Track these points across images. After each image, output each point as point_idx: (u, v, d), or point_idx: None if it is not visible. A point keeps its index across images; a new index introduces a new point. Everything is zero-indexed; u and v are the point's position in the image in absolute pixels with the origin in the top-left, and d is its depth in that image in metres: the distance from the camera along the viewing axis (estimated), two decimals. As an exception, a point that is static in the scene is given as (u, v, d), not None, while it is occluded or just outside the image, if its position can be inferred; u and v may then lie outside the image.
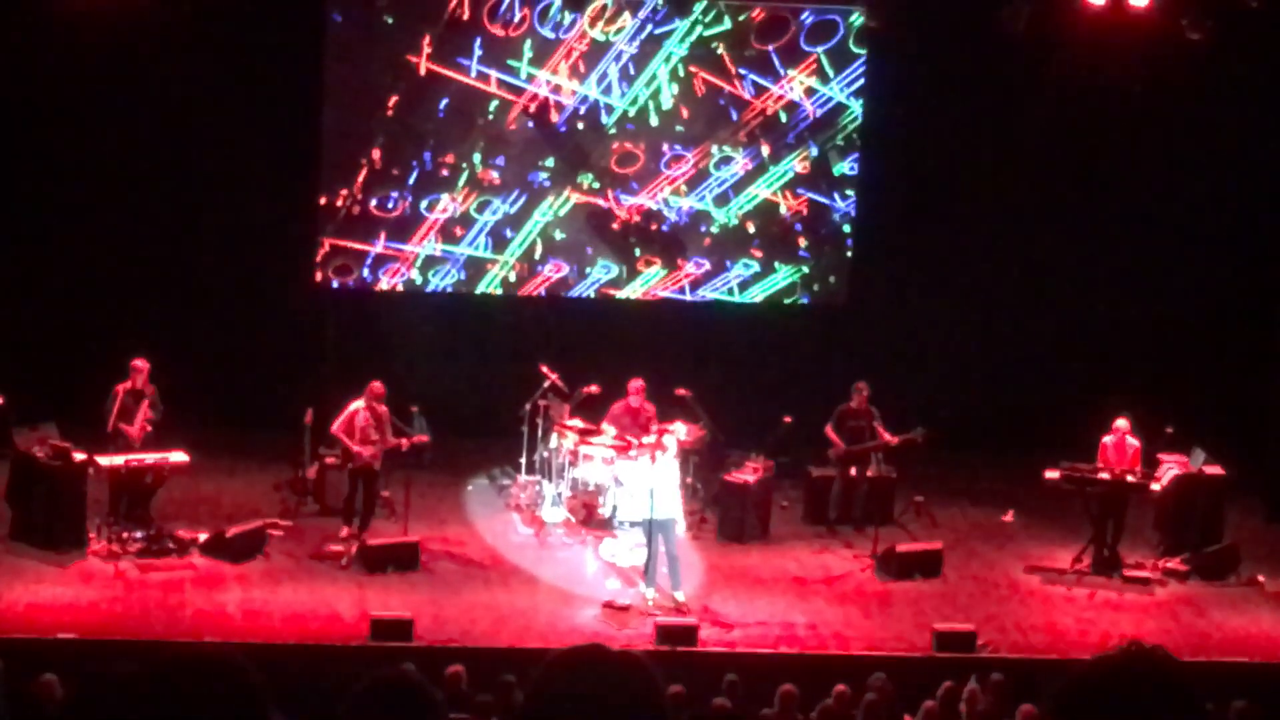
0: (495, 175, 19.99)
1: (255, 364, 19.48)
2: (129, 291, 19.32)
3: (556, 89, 19.82)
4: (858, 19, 19.96)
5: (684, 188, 20.32)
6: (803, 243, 20.63)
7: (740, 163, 20.30)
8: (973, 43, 19.47)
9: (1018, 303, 20.75)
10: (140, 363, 16.51)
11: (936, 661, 14.43)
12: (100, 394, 16.51)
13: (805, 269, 20.73)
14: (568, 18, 19.64)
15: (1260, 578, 17.17)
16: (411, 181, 19.94)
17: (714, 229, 20.49)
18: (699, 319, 20.66)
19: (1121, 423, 17.16)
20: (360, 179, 19.79)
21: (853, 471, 18.04)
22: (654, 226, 20.42)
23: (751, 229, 20.53)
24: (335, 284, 20.00)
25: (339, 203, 19.81)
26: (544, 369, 18.05)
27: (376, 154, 19.76)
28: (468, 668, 12.57)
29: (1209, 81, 19.47)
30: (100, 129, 18.95)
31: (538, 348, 18.90)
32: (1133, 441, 17.15)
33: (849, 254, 20.80)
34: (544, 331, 19.99)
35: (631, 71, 19.92)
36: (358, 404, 16.81)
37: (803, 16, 20.01)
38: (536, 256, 20.34)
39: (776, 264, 20.66)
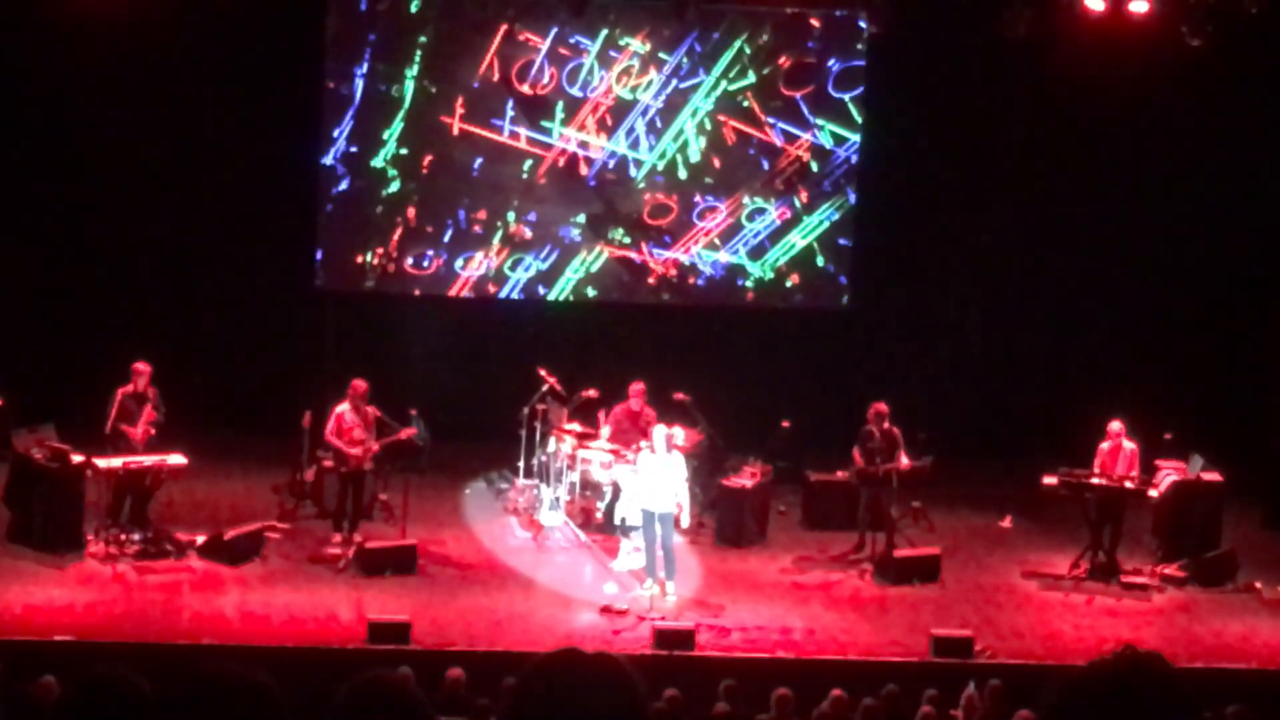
0: (528, 231, 20.12)
1: (254, 367, 19.51)
2: (128, 294, 19.37)
3: (584, 145, 19.94)
4: None
5: (717, 241, 20.35)
6: (845, 298, 20.67)
7: (774, 213, 20.32)
8: (972, 52, 19.48)
9: (1016, 309, 20.76)
10: (142, 366, 16.51)
11: (934, 667, 14.41)
12: (99, 397, 16.51)
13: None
14: (596, 76, 19.77)
15: (1258, 584, 17.16)
16: (446, 239, 20.08)
17: (749, 283, 20.52)
18: (697, 323, 20.67)
19: (1115, 426, 17.06)
20: (395, 238, 19.96)
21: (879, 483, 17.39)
22: (690, 280, 20.46)
23: (789, 284, 20.53)
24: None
25: (375, 261, 19.96)
26: (542, 372, 18.05)
27: (411, 213, 19.93)
28: (466, 671, 12.56)
29: (1209, 88, 19.48)
30: (117, 143, 19.14)
31: (536, 351, 18.91)
32: (1129, 444, 17.10)
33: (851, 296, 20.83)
34: (542, 335, 20.00)
35: (659, 125, 20.04)
36: (342, 406, 16.78)
37: (830, 64, 20.06)
38: None
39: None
